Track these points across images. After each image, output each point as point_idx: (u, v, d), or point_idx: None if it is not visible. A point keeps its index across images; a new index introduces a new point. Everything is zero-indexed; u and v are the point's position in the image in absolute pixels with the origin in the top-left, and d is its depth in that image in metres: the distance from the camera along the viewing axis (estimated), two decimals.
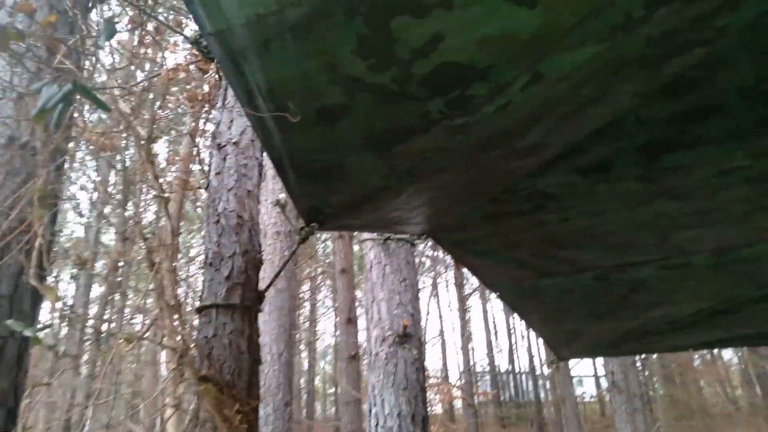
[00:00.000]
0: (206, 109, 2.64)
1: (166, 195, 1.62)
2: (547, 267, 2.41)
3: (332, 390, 26.09)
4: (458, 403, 20.60)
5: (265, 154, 2.23)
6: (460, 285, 18.80)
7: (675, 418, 18.04)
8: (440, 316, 26.06)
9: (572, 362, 15.10)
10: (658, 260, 2.28)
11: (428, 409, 3.82)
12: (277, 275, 2.07)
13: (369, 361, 3.89)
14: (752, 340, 3.65)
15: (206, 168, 2.20)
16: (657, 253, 2.21)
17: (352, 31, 1.01)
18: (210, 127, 2.33)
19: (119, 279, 10.12)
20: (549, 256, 2.31)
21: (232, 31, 1.05)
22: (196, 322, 1.86)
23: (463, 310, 19.17)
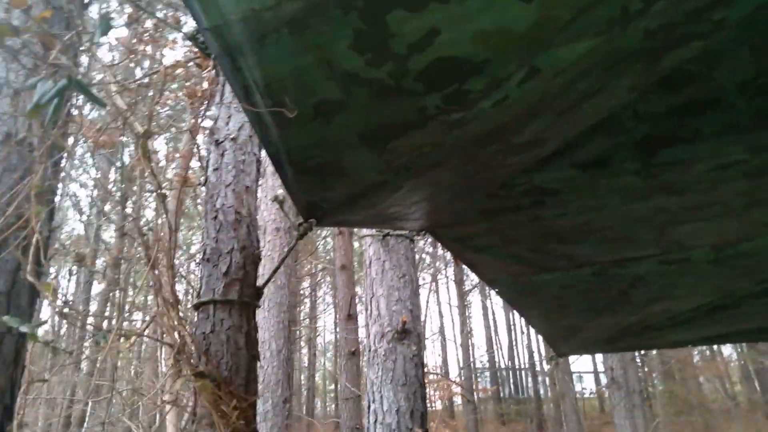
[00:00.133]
0: (206, 105, 2.64)
1: (163, 191, 1.62)
2: (546, 262, 2.41)
3: (332, 386, 26.16)
4: (458, 400, 20.64)
5: (263, 150, 2.23)
6: (460, 281, 18.82)
7: (674, 414, 18.07)
8: (440, 313, 26.12)
9: (572, 358, 15.13)
10: (657, 255, 2.27)
11: (428, 405, 3.83)
12: (275, 271, 2.07)
13: (368, 357, 3.89)
14: (752, 336, 3.66)
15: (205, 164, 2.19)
16: (656, 248, 2.21)
17: (348, 26, 1.00)
18: (209, 123, 2.33)
19: (120, 276, 10.13)
20: (547, 252, 2.31)
21: (228, 26, 1.05)
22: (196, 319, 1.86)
23: (463, 306, 19.20)
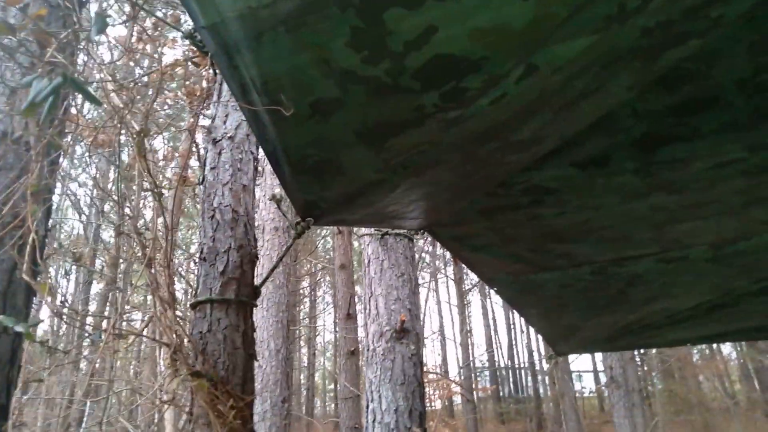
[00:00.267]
0: (205, 104, 2.64)
1: (159, 190, 1.62)
2: (545, 261, 2.41)
3: (332, 386, 26.17)
4: (458, 399, 20.66)
5: (260, 148, 2.22)
6: (459, 280, 18.83)
7: (673, 413, 18.09)
8: (440, 312, 26.13)
9: (571, 357, 15.14)
10: (655, 254, 2.27)
11: (428, 404, 3.82)
12: (272, 270, 2.06)
13: (367, 356, 3.89)
14: (751, 334, 3.66)
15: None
16: (654, 246, 2.21)
17: (345, 23, 1.00)
18: (208, 122, 2.32)
19: (119, 275, 10.12)
20: (546, 251, 2.31)
21: (225, 24, 1.05)
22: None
23: (463, 305, 19.21)
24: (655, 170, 1.69)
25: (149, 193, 1.66)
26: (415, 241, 4.40)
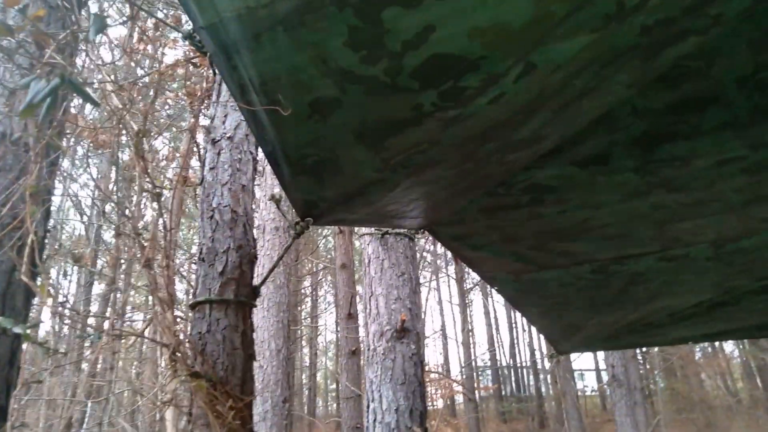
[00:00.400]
0: (205, 104, 2.64)
1: (157, 190, 1.62)
2: (545, 260, 2.40)
3: (334, 386, 26.18)
4: (460, 398, 20.67)
5: (260, 148, 2.22)
6: (460, 280, 18.83)
7: (675, 411, 18.08)
8: (441, 311, 26.12)
9: (573, 356, 15.13)
10: (656, 252, 2.27)
11: (429, 403, 3.82)
12: (271, 270, 2.06)
13: (367, 356, 3.89)
14: (752, 332, 3.65)
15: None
16: (655, 245, 2.20)
17: (343, 22, 1.00)
18: (207, 122, 2.32)
19: (116, 276, 10.13)
20: (547, 249, 2.30)
21: (223, 25, 1.05)
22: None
23: (464, 304, 19.21)
24: (656, 168, 1.68)
25: (149, 193, 1.66)
26: (416, 240, 4.40)
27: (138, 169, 1.47)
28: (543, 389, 23.54)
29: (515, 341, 27.72)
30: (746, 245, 2.16)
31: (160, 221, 1.68)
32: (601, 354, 17.97)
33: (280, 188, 1.64)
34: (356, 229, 8.02)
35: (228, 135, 2.13)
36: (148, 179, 1.55)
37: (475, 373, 20.36)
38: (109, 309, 10.92)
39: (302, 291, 18.16)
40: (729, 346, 20.16)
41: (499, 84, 1.16)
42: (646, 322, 3.13)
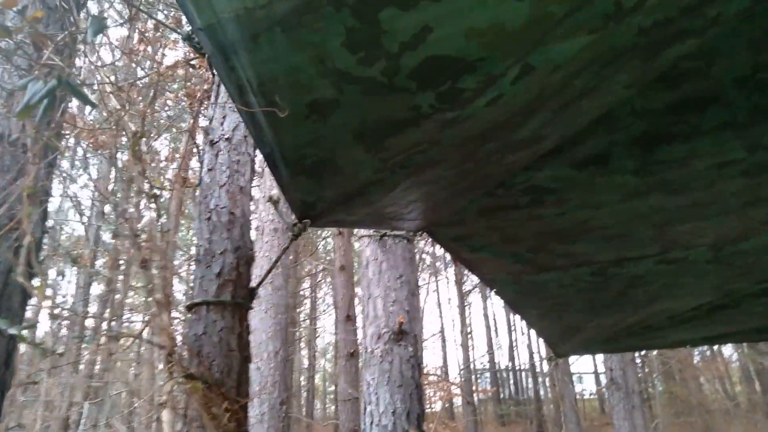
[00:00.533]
0: (205, 105, 2.64)
1: (155, 191, 1.61)
2: (545, 262, 2.40)
3: (332, 388, 26.14)
4: (458, 401, 20.63)
5: (258, 150, 2.21)
6: (459, 282, 18.82)
7: (674, 415, 18.06)
8: (440, 314, 26.10)
9: (572, 359, 15.12)
10: (655, 255, 2.26)
11: (428, 406, 3.81)
12: (268, 272, 2.05)
13: (365, 358, 3.88)
14: (752, 336, 3.65)
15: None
16: (655, 247, 2.20)
17: (341, 23, 0.99)
18: (206, 123, 2.32)
19: (113, 276, 10.11)
20: (546, 251, 2.30)
21: (221, 26, 1.04)
22: None
23: (463, 306, 19.20)
24: (655, 169, 1.68)
25: (146, 195, 1.65)
26: (415, 242, 4.40)
27: (135, 170, 1.47)
28: (541, 392, 23.51)
29: (514, 344, 27.71)
30: (746, 248, 2.16)
31: (157, 222, 1.68)
32: (599, 357, 17.95)
33: (277, 189, 1.63)
34: (355, 230, 8.02)
35: (226, 136, 2.12)
36: (145, 180, 1.54)
37: (473, 376, 20.34)
38: (106, 310, 10.90)
39: (301, 293, 18.14)
40: (728, 349, 20.15)
41: (498, 85, 1.16)
42: (645, 325, 3.13)
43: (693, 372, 19.35)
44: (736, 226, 2.03)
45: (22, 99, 1.82)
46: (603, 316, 2.99)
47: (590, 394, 26.08)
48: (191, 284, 2.03)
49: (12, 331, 1.32)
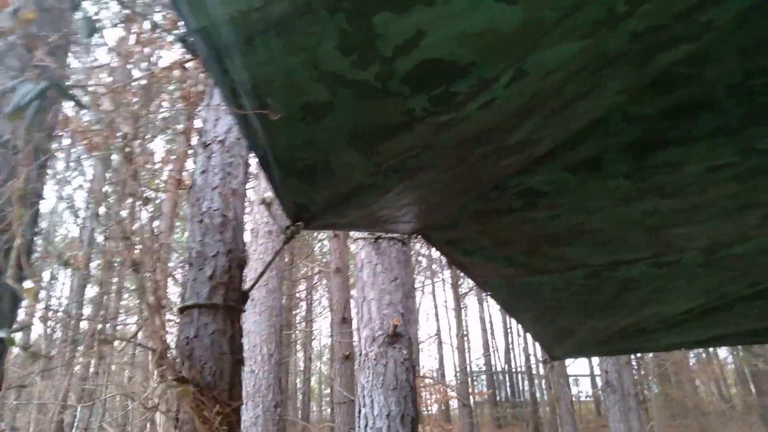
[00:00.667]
0: (200, 108, 2.63)
1: (147, 194, 1.61)
2: (538, 265, 2.40)
3: (328, 390, 26.09)
4: (454, 403, 20.63)
5: (251, 152, 2.21)
6: (455, 284, 18.84)
7: (669, 417, 18.11)
8: (437, 316, 26.10)
9: (568, 362, 15.14)
10: (649, 258, 2.27)
11: (424, 409, 3.81)
12: (261, 275, 2.05)
13: (359, 361, 3.87)
14: (745, 339, 3.67)
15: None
16: (648, 250, 2.20)
17: (335, 27, 0.99)
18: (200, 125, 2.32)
19: (101, 278, 10.07)
20: (540, 254, 2.30)
21: (215, 28, 1.04)
22: None
23: (459, 309, 19.21)
24: (648, 174, 1.69)
25: (136, 197, 1.65)
26: (411, 244, 4.40)
27: (126, 172, 1.46)
28: (538, 395, 23.53)
29: (510, 346, 27.72)
30: (738, 251, 2.17)
31: (148, 224, 1.67)
32: (595, 359, 18.00)
33: (270, 191, 1.63)
34: (350, 233, 8.01)
35: (219, 138, 2.12)
36: (136, 183, 1.54)
37: (469, 378, 20.33)
38: (97, 312, 10.85)
39: (297, 295, 18.11)
40: (723, 352, 20.23)
41: (491, 89, 1.16)
42: (638, 328, 3.13)
43: (688, 374, 19.42)
44: (729, 230, 2.03)
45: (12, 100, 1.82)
46: (596, 319, 3.00)
47: (586, 397, 26.13)
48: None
49: (1, 334, 1.31)
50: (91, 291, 12.36)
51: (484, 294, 20.21)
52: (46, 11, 2.16)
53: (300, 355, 23.75)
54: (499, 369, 27.15)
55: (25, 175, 1.50)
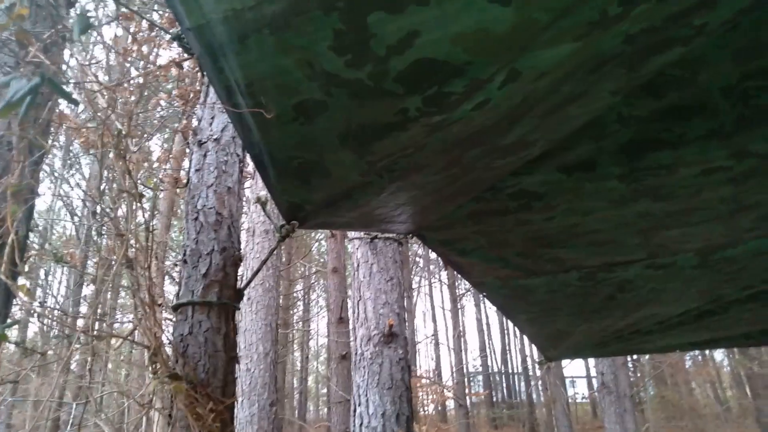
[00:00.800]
0: (193, 106, 2.63)
1: (139, 191, 1.60)
2: (534, 266, 2.41)
3: (325, 390, 26.09)
4: (451, 404, 20.63)
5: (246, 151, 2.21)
6: (452, 285, 18.84)
7: (665, 419, 18.14)
8: (434, 317, 26.12)
9: (564, 363, 15.16)
10: (643, 260, 2.27)
11: (421, 409, 3.81)
12: (255, 273, 2.05)
13: (354, 360, 3.88)
14: (740, 341, 3.67)
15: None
16: (642, 253, 2.21)
17: (329, 26, 1.00)
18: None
19: (96, 275, 10.05)
20: (535, 256, 2.31)
21: (210, 26, 1.04)
22: None
23: (456, 310, 19.22)
24: (642, 176, 1.69)
25: (136, 194, 1.64)
26: (408, 244, 4.41)
27: (119, 169, 1.46)
28: (534, 396, 23.56)
29: (507, 347, 27.76)
30: (732, 254, 2.17)
31: (142, 222, 1.67)
32: (592, 361, 18.02)
33: (265, 190, 1.63)
34: (348, 233, 8.01)
35: (214, 137, 2.12)
36: (130, 180, 1.54)
37: (466, 379, 20.35)
38: (93, 310, 10.80)
39: (294, 294, 18.11)
40: (719, 354, 20.28)
41: (484, 90, 1.16)
42: (633, 330, 3.14)
43: (684, 376, 19.46)
44: (723, 233, 2.04)
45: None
46: (592, 320, 3.00)
47: (582, 398, 26.17)
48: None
49: None
50: (87, 289, 12.35)
51: (480, 295, 20.20)
52: (40, 8, 2.16)
53: (297, 354, 23.76)
54: (495, 370, 27.18)
55: (20, 171, 1.50)
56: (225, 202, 2.00)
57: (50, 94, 1.68)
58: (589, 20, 1.00)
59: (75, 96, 1.19)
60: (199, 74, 2.68)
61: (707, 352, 19.19)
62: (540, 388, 22.39)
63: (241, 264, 2.06)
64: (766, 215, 1.87)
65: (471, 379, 24.84)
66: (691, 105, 1.44)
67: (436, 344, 25.50)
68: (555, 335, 3.33)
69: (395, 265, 4.02)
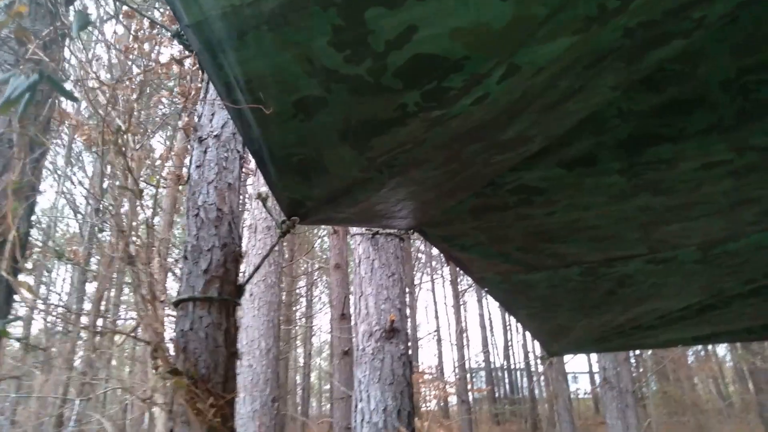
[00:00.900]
0: (194, 103, 2.63)
1: (139, 188, 1.61)
2: (534, 261, 2.41)
3: (327, 386, 26.17)
4: (453, 399, 20.67)
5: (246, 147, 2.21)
6: (455, 281, 18.85)
7: (667, 414, 18.16)
8: (436, 312, 26.15)
9: (566, 358, 15.17)
10: (644, 255, 2.27)
11: (423, 405, 3.82)
12: (256, 269, 2.06)
13: (356, 356, 3.89)
14: (741, 336, 3.67)
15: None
16: (643, 247, 2.21)
17: (327, 22, 1.00)
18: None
19: (98, 272, 10.08)
20: (536, 251, 2.31)
21: (209, 23, 1.04)
22: None
23: (458, 305, 19.23)
24: (642, 171, 1.69)
25: (137, 191, 1.65)
26: (410, 240, 4.42)
27: (119, 167, 1.47)
28: (536, 391, 23.59)
29: (509, 343, 27.79)
30: (734, 248, 2.17)
31: (144, 218, 1.68)
32: (594, 356, 18.04)
33: (266, 186, 1.63)
34: (350, 229, 8.01)
35: (215, 133, 2.12)
36: (130, 176, 1.54)
37: (468, 375, 20.38)
38: (97, 307, 10.86)
39: (297, 291, 18.14)
40: (721, 349, 20.26)
41: (483, 85, 1.16)
42: (635, 325, 3.14)
43: (686, 372, 19.45)
44: (724, 227, 2.04)
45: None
46: (593, 315, 3.00)
47: (585, 394, 26.21)
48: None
49: None
50: (91, 286, 12.40)
51: (482, 291, 20.21)
52: (39, 5, 2.16)
53: (300, 351, 23.82)
54: (497, 366, 27.22)
55: (20, 168, 1.50)
56: (226, 199, 2.01)
57: (50, 92, 1.68)
58: (588, 14, 1.00)
59: (74, 93, 1.19)
60: (199, 71, 2.68)
61: (710, 347, 19.18)
62: (542, 383, 22.41)
63: (243, 260, 2.07)
64: (767, 209, 1.86)
65: (473, 374, 24.88)
66: (690, 99, 1.44)
67: (439, 340, 25.53)
68: (556, 330, 3.34)
69: (397, 260, 4.02)
